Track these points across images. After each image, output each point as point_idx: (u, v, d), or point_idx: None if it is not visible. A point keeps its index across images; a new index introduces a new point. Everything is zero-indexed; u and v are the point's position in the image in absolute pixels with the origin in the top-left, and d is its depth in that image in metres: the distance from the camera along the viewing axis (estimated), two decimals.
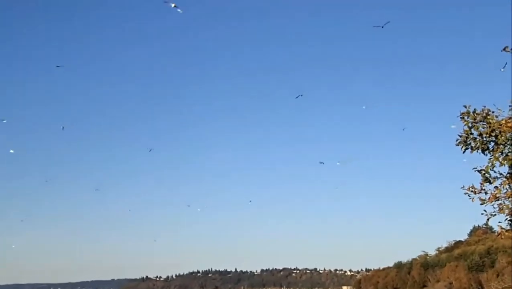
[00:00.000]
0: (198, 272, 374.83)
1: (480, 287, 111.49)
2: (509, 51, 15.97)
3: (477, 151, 16.40)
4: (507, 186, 16.06)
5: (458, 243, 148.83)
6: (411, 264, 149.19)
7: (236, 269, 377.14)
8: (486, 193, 16.34)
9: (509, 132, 15.60)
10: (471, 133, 16.34)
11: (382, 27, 30.77)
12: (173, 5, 35.08)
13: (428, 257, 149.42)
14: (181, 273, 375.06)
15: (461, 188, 16.69)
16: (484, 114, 16.19)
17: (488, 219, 16.37)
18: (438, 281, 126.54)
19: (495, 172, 16.21)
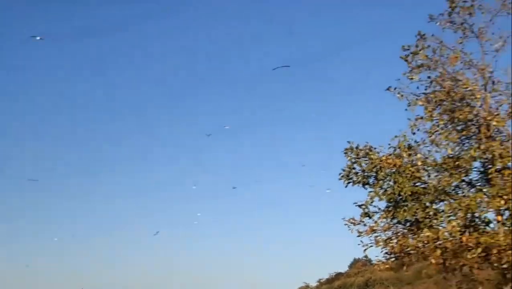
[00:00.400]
0: None
1: None
2: (392, 91, 16.99)
3: (358, 185, 17.21)
4: (384, 220, 16.90)
5: (338, 275, 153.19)
6: None
7: None
8: (365, 225, 17.13)
9: (389, 168, 16.50)
10: (354, 168, 17.13)
11: (274, 69, 30.95)
12: (38, 37, 35.21)
13: None
14: None
15: (342, 219, 17.41)
16: (367, 150, 17.06)
17: (364, 250, 17.12)
18: None
19: (374, 206, 17.06)
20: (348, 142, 17.25)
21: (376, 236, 16.97)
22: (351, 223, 17.21)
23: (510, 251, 14.70)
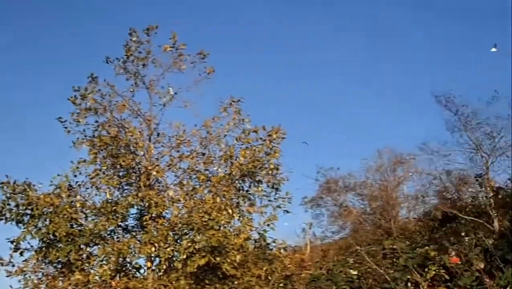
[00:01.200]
0: None
1: None
2: (62, 122, 16.38)
3: (11, 223, 16.13)
4: (35, 260, 16.15)
5: None
6: None
7: None
8: (14, 265, 16.12)
9: (46, 207, 15.82)
10: (9, 204, 16.02)
11: None
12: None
13: None
14: None
15: None
16: (25, 186, 16.12)
17: None
18: None
19: (29, 244, 16.18)
20: (6, 176, 16.08)
21: (26, 278, 16.10)
22: None
23: None
